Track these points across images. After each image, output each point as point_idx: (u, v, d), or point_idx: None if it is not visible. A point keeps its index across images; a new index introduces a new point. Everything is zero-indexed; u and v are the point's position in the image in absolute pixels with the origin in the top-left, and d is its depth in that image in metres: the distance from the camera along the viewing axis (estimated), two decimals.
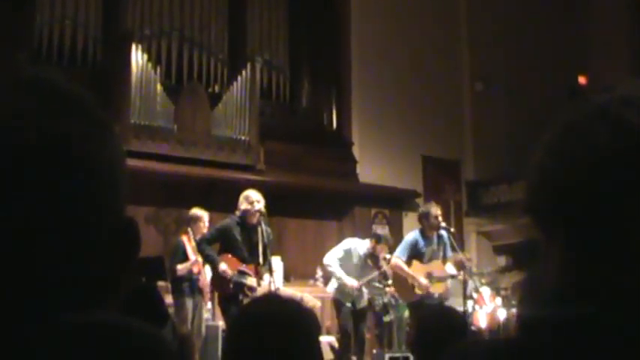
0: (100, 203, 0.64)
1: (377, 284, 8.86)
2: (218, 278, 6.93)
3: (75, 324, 0.60)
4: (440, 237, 7.85)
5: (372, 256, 8.01)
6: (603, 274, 0.69)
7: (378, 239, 8.02)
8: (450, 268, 7.82)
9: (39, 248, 0.60)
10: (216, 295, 7.70)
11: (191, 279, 7.86)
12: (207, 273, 7.71)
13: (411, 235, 8.02)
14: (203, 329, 8.07)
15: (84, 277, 0.63)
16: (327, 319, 9.79)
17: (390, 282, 8.48)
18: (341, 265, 7.97)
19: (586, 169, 0.70)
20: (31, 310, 0.59)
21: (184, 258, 7.87)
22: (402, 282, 7.81)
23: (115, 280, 0.67)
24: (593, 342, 0.67)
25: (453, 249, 7.87)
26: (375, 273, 8.08)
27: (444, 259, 7.84)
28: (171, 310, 7.70)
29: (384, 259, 7.98)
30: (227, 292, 6.87)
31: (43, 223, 0.60)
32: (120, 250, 0.66)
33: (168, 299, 7.50)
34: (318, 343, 1.81)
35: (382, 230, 10.08)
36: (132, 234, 0.67)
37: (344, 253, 8.05)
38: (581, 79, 13.27)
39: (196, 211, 8.16)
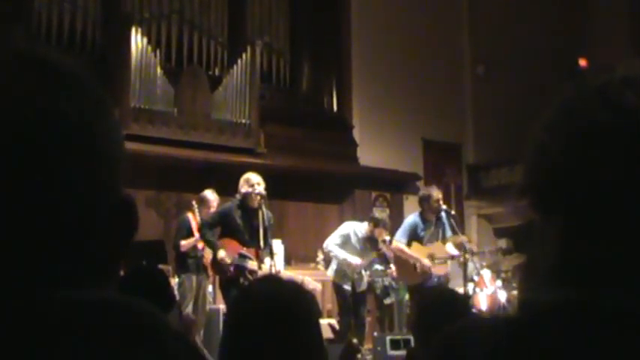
0: (99, 180, 0.64)
1: (378, 267, 8.88)
2: (218, 263, 6.94)
3: (74, 301, 0.60)
4: (439, 218, 7.86)
5: (371, 239, 8.02)
6: (604, 254, 0.69)
7: (376, 222, 8.02)
8: (451, 248, 7.83)
9: (38, 225, 0.60)
10: (217, 278, 7.72)
11: (196, 255, 7.87)
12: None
13: (411, 217, 8.02)
14: (207, 306, 8.09)
15: (83, 254, 0.63)
16: (328, 302, 9.81)
17: (391, 264, 8.50)
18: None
19: (587, 148, 0.70)
20: (30, 287, 0.59)
21: (189, 234, 7.88)
22: (403, 264, 7.82)
23: (115, 258, 0.67)
24: (594, 322, 0.67)
25: (454, 231, 7.88)
26: (375, 254, 8.11)
27: (444, 240, 7.85)
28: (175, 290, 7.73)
29: (383, 241, 7.99)
30: (228, 275, 6.89)
31: (42, 200, 0.60)
32: (118, 227, 0.66)
33: (173, 282, 7.51)
34: (318, 325, 1.81)
35: (381, 213, 10.08)
36: (130, 211, 0.67)
37: (343, 238, 8.06)
38: (582, 62, 13.22)
39: (207, 193, 8.10)
